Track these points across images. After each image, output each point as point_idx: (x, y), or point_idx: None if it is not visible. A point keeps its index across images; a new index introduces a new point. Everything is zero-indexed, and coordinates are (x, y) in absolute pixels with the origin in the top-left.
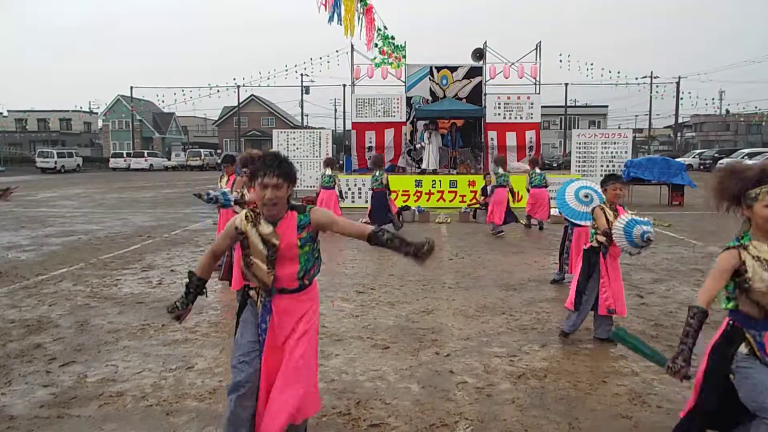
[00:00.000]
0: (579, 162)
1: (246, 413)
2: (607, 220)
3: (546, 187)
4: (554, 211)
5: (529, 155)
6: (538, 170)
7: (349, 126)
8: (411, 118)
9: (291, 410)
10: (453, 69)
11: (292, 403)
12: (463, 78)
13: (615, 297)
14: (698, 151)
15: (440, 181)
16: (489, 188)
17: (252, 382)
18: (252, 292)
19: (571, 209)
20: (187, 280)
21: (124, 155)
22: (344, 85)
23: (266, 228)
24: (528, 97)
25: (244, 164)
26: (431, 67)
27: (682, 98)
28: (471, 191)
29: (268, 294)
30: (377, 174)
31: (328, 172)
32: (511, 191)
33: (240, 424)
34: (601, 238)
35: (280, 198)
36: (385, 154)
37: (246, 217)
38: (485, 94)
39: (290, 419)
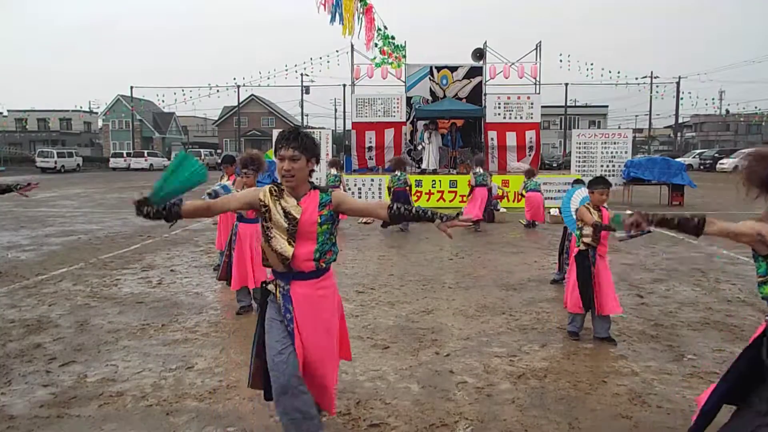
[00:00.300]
0: (579, 162)
1: (305, 405)
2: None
3: (539, 191)
4: (554, 211)
5: (529, 155)
6: (534, 179)
7: (349, 126)
8: (411, 118)
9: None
10: (453, 69)
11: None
12: (463, 78)
13: (608, 297)
14: (698, 151)
15: (440, 181)
16: (469, 187)
17: (295, 378)
18: (270, 286)
19: (574, 220)
20: (172, 205)
21: (124, 155)
22: (344, 85)
23: (290, 201)
24: (528, 97)
25: (245, 165)
26: (431, 67)
27: (682, 98)
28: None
29: (286, 281)
30: (399, 174)
31: (334, 171)
32: (490, 190)
33: (307, 415)
34: (587, 239)
35: (297, 170)
36: (385, 154)
37: (270, 191)
38: (485, 94)
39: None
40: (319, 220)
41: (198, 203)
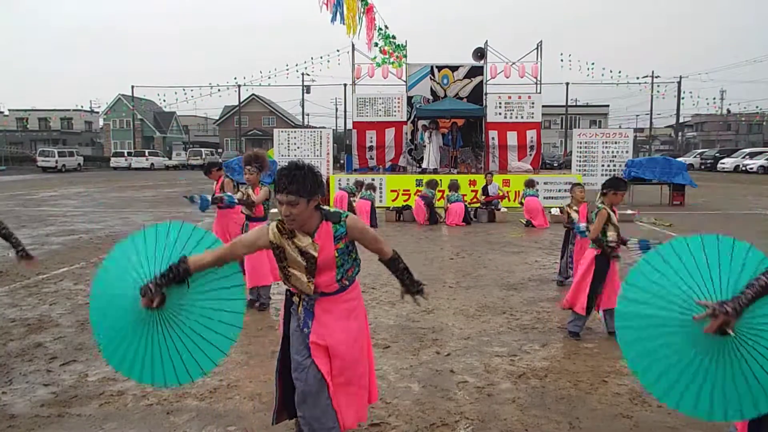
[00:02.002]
0: (580, 162)
1: (324, 416)
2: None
3: (536, 196)
4: (554, 211)
5: (530, 155)
6: (533, 190)
7: (350, 125)
8: (412, 118)
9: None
10: (454, 68)
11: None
12: (464, 77)
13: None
14: (699, 150)
15: (441, 180)
16: (445, 203)
17: (314, 387)
18: (295, 298)
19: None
20: (175, 263)
21: (125, 154)
22: (345, 85)
23: (304, 240)
24: (529, 97)
25: (248, 162)
26: (432, 67)
27: (683, 98)
28: (472, 191)
29: (311, 298)
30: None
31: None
32: (466, 207)
33: (325, 426)
34: (612, 243)
35: (297, 215)
36: (386, 154)
37: (279, 229)
38: (486, 94)
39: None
40: (336, 254)
41: (206, 261)
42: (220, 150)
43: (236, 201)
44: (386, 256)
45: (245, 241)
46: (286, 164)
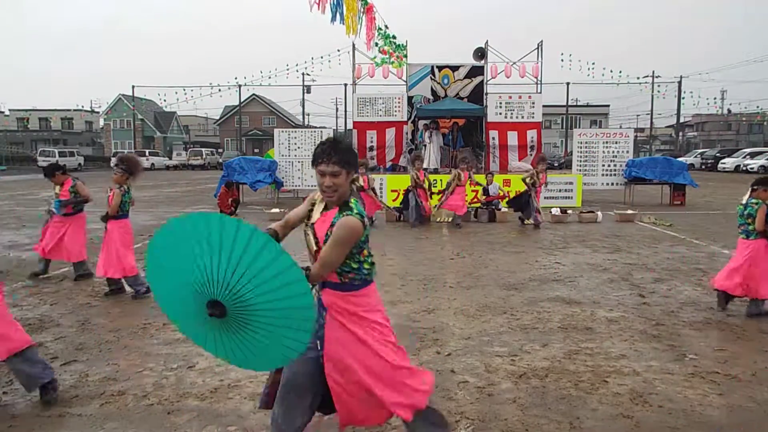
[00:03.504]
0: (580, 161)
1: (286, 414)
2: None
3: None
4: (555, 210)
5: (531, 155)
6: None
7: (350, 125)
8: (412, 118)
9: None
10: (454, 68)
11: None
12: (465, 77)
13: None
14: (700, 150)
15: (441, 180)
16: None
17: (297, 379)
18: (314, 290)
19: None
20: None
21: None
22: (345, 85)
23: (316, 214)
24: (529, 97)
25: (116, 164)
26: (432, 67)
27: (683, 98)
28: (472, 190)
29: (320, 285)
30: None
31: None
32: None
33: (280, 427)
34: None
35: (339, 185)
36: (386, 153)
37: (313, 200)
38: (487, 94)
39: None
40: (325, 239)
41: (279, 226)
42: (220, 150)
43: (61, 209)
44: (310, 272)
45: (300, 212)
46: (327, 138)
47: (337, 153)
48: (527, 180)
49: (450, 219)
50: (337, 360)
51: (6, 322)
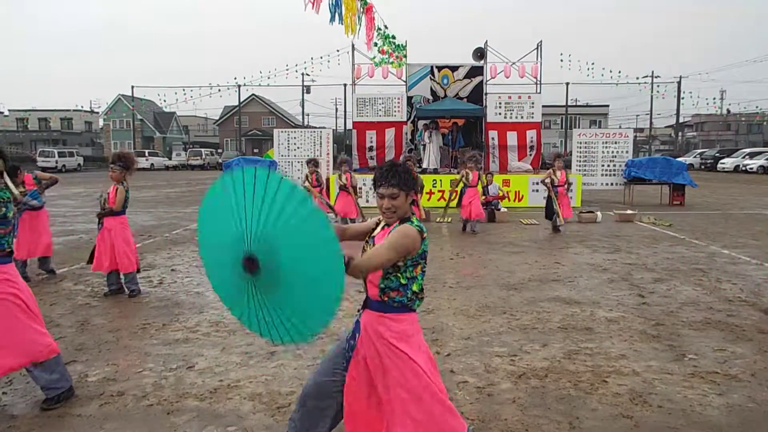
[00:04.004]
0: (580, 161)
1: (301, 422)
2: None
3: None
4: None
5: (530, 155)
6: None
7: (350, 125)
8: (412, 118)
9: None
10: (454, 68)
11: None
12: (464, 77)
13: None
14: (699, 150)
15: (441, 180)
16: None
17: (315, 396)
18: (358, 312)
19: None
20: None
21: None
22: (345, 85)
23: (377, 230)
24: (529, 97)
25: (113, 161)
26: (432, 67)
27: (683, 98)
28: None
29: (363, 307)
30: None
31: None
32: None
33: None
34: None
35: (398, 206)
36: (386, 154)
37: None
38: (486, 94)
39: None
40: None
41: (339, 228)
42: (220, 150)
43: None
44: (353, 260)
45: (364, 227)
46: (385, 162)
47: (394, 176)
48: (546, 181)
49: (449, 220)
50: (357, 388)
51: (33, 330)
